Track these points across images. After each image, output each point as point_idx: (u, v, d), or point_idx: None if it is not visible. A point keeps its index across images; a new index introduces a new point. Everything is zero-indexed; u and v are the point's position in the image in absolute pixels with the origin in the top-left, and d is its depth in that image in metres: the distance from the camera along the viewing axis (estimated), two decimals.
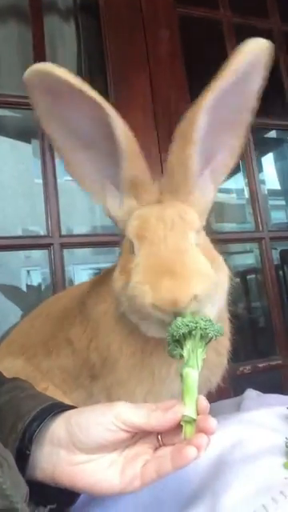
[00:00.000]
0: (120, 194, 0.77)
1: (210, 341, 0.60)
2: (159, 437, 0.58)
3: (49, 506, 0.55)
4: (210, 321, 0.60)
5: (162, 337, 0.64)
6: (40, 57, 1.68)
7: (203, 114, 0.70)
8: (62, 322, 0.90)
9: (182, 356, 0.59)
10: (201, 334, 0.58)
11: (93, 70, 2.12)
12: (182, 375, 0.58)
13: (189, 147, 0.71)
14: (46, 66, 0.67)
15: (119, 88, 1.74)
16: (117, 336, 0.77)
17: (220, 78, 0.68)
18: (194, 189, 0.76)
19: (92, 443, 0.56)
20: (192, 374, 0.57)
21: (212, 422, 0.54)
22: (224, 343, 0.82)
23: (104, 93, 1.86)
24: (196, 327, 0.58)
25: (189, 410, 0.55)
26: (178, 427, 0.56)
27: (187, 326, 0.58)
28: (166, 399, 0.61)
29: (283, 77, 2.19)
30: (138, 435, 0.59)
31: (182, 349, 0.59)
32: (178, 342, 0.59)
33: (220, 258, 0.76)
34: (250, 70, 0.70)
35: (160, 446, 0.58)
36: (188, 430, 0.55)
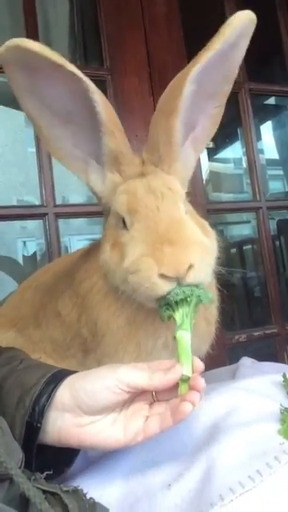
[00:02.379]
0: (102, 169, 0.77)
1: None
2: (154, 393, 0.64)
3: (46, 472, 0.56)
4: (203, 289, 0.64)
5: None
6: (31, 20, 1.61)
7: (189, 84, 0.70)
8: (51, 293, 0.90)
9: (170, 318, 0.65)
10: (195, 301, 0.64)
11: (86, 34, 2.04)
12: (176, 338, 0.63)
13: (173, 117, 0.71)
14: (22, 42, 0.63)
15: (114, 52, 1.67)
16: (103, 311, 0.78)
17: (208, 49, 0.69)
18: (177, 158, 0.76)
19: (97, 406, 0.61)
20: (185, 336, 0.62)
21: (202, 381, 0.60)
22: (213, 312, 0.84)
23: (98, 57, 1.81)
24: (192, 294, 0.63)
25: (186, 370, 0.61)
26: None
27: (184, 292, 0.63)
28: None
29: (284, 42, 2.12)
30: (136, 393, 0.63)
31: (174, 312, 0.64)
32: (169, 305, 0.64)
33: (206, 223, 0.77)
34: (237, 41, 0.72)
35: (154, 401, 0.64)
36: (183, 387, 0.61)
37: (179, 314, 0.64)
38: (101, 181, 0.78)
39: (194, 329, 0.64)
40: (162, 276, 0.63)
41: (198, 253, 0.65)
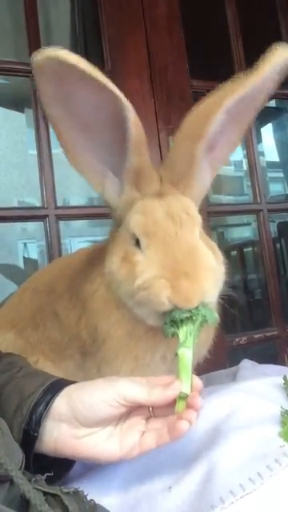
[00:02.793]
0: (120, 182, 0.76)
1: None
2: (150, 408, 0.64)
3: (46, 474, 0.56)
4: (209, 309, 0.66)
5: (159, 324, 0.68)
6: (32, 22, 1.61)
7: (221, 114, 0.71)
8: (49, 294, 0.90)
9: (174, 335, 0.65)
10: (200, 320, 0.64)
11: (87, 35, 2.05)
12: (177, 354, 0.63)
13: (199, 143, 0.72)
14: (58, 53, 0.63)
15: (115, 53, 1.68)
16: (104, 319, 0.78)
17: (246, 82, 0.69)
18: (196, 179, 0.77)
19: (94, 418, 0.60)
20: (187, 354, 0.63)
21: (200, 400, 0.60)
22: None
23: (99, 59, 1.81)
24: (198, 314, 0.64)
25: (185, 387, 0.61)
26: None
27: (190, 311, 0.64)
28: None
29: (285, 43, 2.12)
30: (133, 408, 0.63)
31: (178, 329, 0.64)
32: (174, 322, 0.65)
33: (215, 246, 0.78)
34: (273, 75, 0.71)
35: (151, 416, 0.64)
36: (180, 405, 0.61)
37: (183, 332, 0.64)
38: (117, 194, 0.77)
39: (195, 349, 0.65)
40: (170, 301, 0.64)
41: (211, 281, 0.67)
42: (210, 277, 0.67)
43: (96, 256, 0.84)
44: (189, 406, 0.60)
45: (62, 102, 0.70)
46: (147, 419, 0.64)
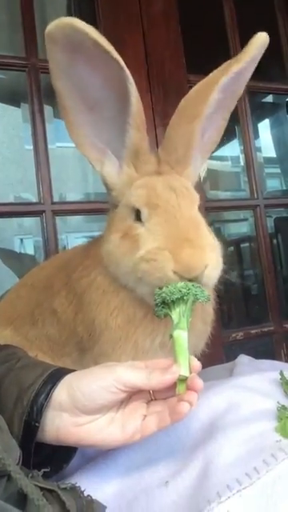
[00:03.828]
0: (119, 161, 0.77)
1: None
2: (151, 392, 0.64)
3: (43, 470, 0.56)
4: (200, 287, 0.64)
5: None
6: (28, 16, 1.60)
7: (217, 92, 0.74)
8: (46, 291, 0.90)
9: (166, 315, 0.65)
10: (192, 300, 0.63)
11: None
12: (173, 337, 0.62)
13: (196, 122, 0.74)
14: (73, 21, 0.65)
15: None
16: (103, 309, 0.78)
17: (237, 62, 0.74)
18: (191, 163, 0.79)
19: (95, 405, 0.61)
20: (183, 335, 0.62)
21: (199, 381, 0.61)
22: (209, 312, 0.85)
23: None
24: (188, 293, 0.63)
25: (183, 370, 0.60)
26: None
27: (180, 291, 0.63)
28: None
29: (281, 40, 2.12)
30: (133, 392, 0.63)
31: (170, 310, 0.64)
32: (165, 304, 0.64)
33: (213, 235, 0.79)
34: (254, 60, 0.77)
35: (152, 399, 0.65)
36: (181, 387, 0.61)
37: (176, 313, 0.64)
38: (116, 173, 0.78)
39: (190, 329, 0.64)
40: (176, 273, 0.64)
41: (213, 255, 0.68)
42: (212, 249, 0.68)
43: (91, 250, 0.85)
44: (189, 388, 0.60)
45: (69, 74, 0.71)
46: (148, 402, 0.65)
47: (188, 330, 0.63)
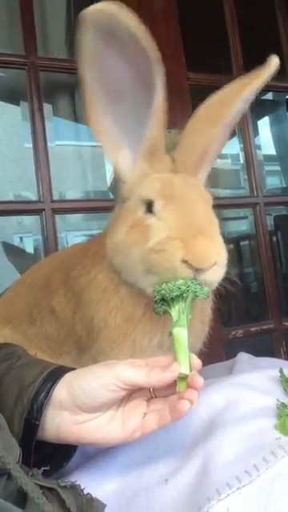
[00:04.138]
0: (135, 155, 0.77)
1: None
2: (151, 389, 0.64)
3: (43, 468, 0.56)
4: (199, 284, 0.64)
5: None
6: (28, 14, 1.60)
7: (241, 101, 0.76)
8: (44, 290, 0.90)
9: (165, 312, 0.65)
10: (191, 297, 0.63)
11: None
12: (172, 334, 0.62)
13: (218, 128, 0.76)
14: (111, 8, 0.64)
15: None
16: (102, 307, 0.77)
17: (260, 76, 0.77)
18: (204, 168, 0.79)
19: (95, 404, 0.61)
20: (182, 333, 0.62)
21: (200, 379, 0.60)
22: (207, 312, 0.84)
23: None
24: (188, 290, 0.62)
25: (184, 368, 0.60)
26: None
27: (179, 288, 0.62)
28: None
29: (281, 37, 2.11)
30: (133, 390, 0.63)
31: (170, 308, 0.63)
32: (164, 301, 0.64)
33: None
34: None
35: (152, 397, 0.64)
36: (181, 385, 0.61)
37: (175, 311, 0.63)
38: (130, 166, 0.77)
39: (189, 329, 0.64)
40: (185, 262, 0.64)
41: (223, 254, 0.67)
42: (223, 248, 0.68)
43: (90, 248, 0.85)
44: (189, 386, 0.60)
45: (99, 61, 0.70)
46: (148, 400, 0.65)
47: (188, 328, 0.63)
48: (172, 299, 0.63)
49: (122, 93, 0.73)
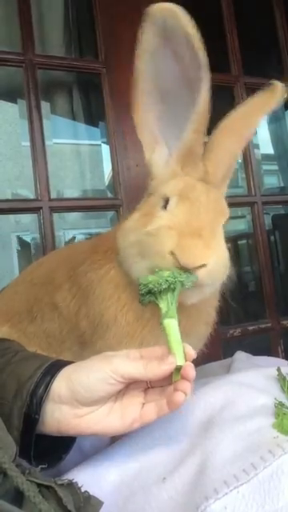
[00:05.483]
0: (170, 155, 0.78)
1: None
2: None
3: (40, 466, 0.56)
4: (185, 273, 0.64)
5: None
6: (25, 12, 1.59)
7: (261, 118, 0.79)
8: (46, 286, 0.90)
9: (150, 302, 0.65)
10: (179, 287, 0.64)
11: (81, 26, 2.02)
12: (163, 325, 0.63)
13: (243, 142, 0.79)
14: (174, 8, 0.66)
15: (109, 44, 1.66)
16: (113, 304, 0.78)
17: (274, 96, 0.79)
18: (227, 181, 0.81)
19: (93, 397, 0.62)
20: (173, 323, 0.63)
21: (192, 371, 0.62)
22: (212, 314, 0.85)
23: (93, 50, 1.78)
24: (175, 281, 0.63)
25: (179, 359, 0.61)
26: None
27: (167, 281, 0.63)
28: None
29: (279, 36, 2.11)
30: (130, 382, 0.64)
31: (158, 300, 0.64)
32: (151, 293, 0.64)
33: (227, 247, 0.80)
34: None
35: (148, 387, 0.66)
36: (176, 375, 0.62)
37: (164, 303, 0.64)
38: (163, 164, 0.79)
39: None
40: (172, 254, 0.65)
41: (215, 256, 0.67)
42: (219, 257, 0.68)
43: (101, 245, 0.85)
44: (183, 377, 0.62)
45: (155, 58, 0.72)
46: (145, 390, 0.66)
47: (178, 319, 0.63)
48: (160, 292, 0.63)
49: (169, 93, 0.74)
